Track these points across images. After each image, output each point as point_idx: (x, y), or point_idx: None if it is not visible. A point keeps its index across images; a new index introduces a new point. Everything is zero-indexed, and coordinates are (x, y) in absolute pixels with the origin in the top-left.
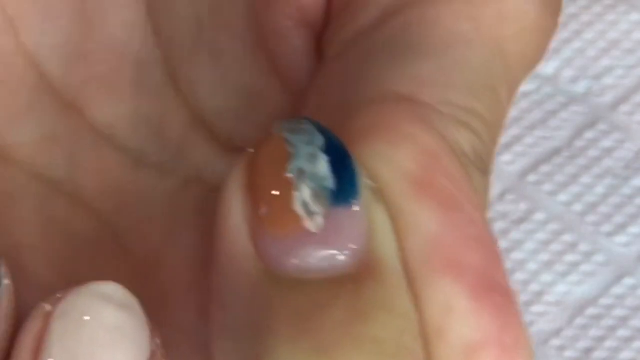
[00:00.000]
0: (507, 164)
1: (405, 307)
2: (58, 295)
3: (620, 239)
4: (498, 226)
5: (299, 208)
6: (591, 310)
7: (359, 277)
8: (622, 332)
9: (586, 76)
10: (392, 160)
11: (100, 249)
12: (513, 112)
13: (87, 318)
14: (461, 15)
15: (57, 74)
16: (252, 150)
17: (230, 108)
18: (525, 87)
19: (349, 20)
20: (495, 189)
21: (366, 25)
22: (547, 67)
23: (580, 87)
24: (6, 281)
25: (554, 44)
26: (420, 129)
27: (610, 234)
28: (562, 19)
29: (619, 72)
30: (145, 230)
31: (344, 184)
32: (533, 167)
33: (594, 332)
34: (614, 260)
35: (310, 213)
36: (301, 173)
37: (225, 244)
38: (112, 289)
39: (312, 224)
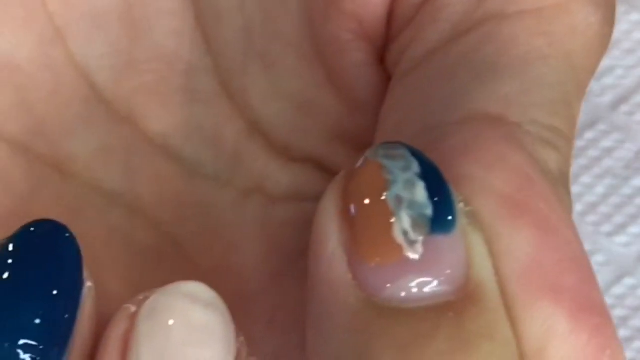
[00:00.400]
0: None
1: (506, 334)
2: (141, 297)
3: (620, 239)
4: None
5: (399, 236)
6: None
7: (460, 305)
8: (623, 332)
9: None
10: (486, 182)
11: (163, 259)
12: None
13: (174, 317)
14: (534, 31)
15: (107, 84)
16: (345, 174)
17: (286, 117)
18: None
19: (417, 36)
20: None
21: (438, 41)
22: None
23: None
24: (89, 283)
25: None
26: (511, 150)
27: (610, 234)
28: None
29: (619, 72)
30: (207, 241)
31: (442, 211)
32: None
33: None
34: (613, 260)
35: (410, 241)
36: (399, 201)
37: (322, 271)
38: (198, 288)
39: (413, 253)
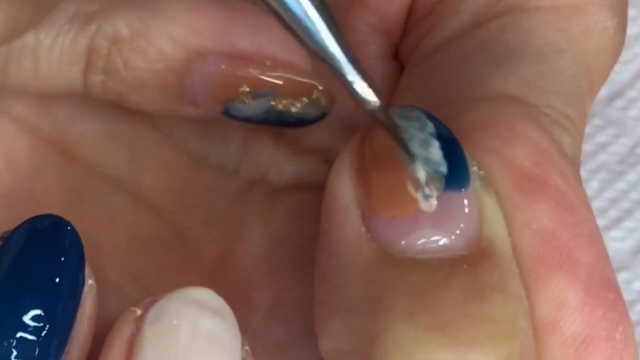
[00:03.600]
0: None
1: (519, 291)
2: (147, 300)
3: (615, 233)
4: None
5: (414, 191)
6: None
7: (474, 258)
8: None
9: None
10: (506, 155)
11: (165, 247)
12: None
13: (181, 323)
14: (552, 26)
15: None
16: (361, 134)
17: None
18: None
19: (436, 26)
20: None
21: (457, 30)
22: None
23: None
24: (90, 281)
25: None
26: (531, 127)
27: (605, 229)
28: None
29: (614, 67)
30: (210, 230)
31: (456, 169)
32: None
33: None
34: (609, 255)
35: (425, 195)
36: (415, 156)
37: (335, 225)
38: (206, 295)
39: (427, 206)
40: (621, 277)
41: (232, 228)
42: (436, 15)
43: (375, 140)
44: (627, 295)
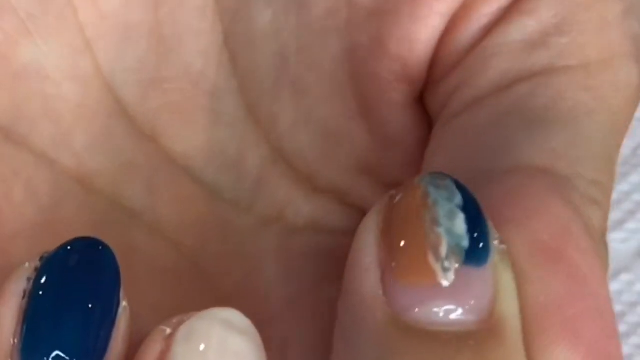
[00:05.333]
0: None
1: None
2: (175, 320)
3: (618, 235)
4: None
5: (434, 262)
6: None
7: (482, 336)
8: (619, 328)
9: None
10: (526, 228)
11: (183, 281)
12: None
13: (210, 342)
14: (581, 85)
15: (132, 100)
16: (390, 195)
17: (313, 147)
18: None
19: (466, 81)
20: None
21: (487, 88)
22: None
23: None
24: (124, 303)
25: None
26: (554, 200)
27: (607, 230)
28: None
29: None
30: (227, 265)
31: (477, 244)
32: None
33: None
34: (611, 256)
35: (444, 268)
36: (441, 227)
37: (355, 282)
38: (233, 315)
39: (445, 279)
40: (623, 279)
41: (248, 263)
42: (465, 69)
43: (404, 203)
44: (629, 297)
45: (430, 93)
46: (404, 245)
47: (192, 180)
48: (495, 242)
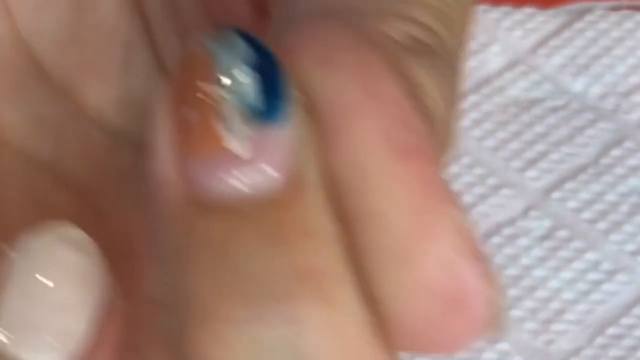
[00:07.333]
0: (532, 179)
1: (327, 230)
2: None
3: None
4: (521, 242)
5: (221, 128)
6: (612, 330)
7: (281, 200)
8: (628, 342)
9: (615, 93)
10: (319, 75)
11: (81, 227)
12: (539, 128)
13: (44, 257)
14: None
15: (49, 58)
16: (178, 64)
17: None
18: (554, 102)
19: None
20: (519, 204)
21: None
22: (576, 83)
23: (609, 104)
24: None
25: (583, 59)
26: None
27: (634, 253)
28: (592, 34)
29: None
30: (121, 206)
31: (272, 102)
32: (558, 184)
33: (614, 352)
34: (636, 280)
35: (233, 133)
36: (224, 89)
37: (154, 173)
38: (69, 230)
39: (235, 145)
40: (622, 279)
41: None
42: None
43: (188, 71)
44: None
45: None
46: (190, 117)
47: (102, 131)
48: (296, 93)
